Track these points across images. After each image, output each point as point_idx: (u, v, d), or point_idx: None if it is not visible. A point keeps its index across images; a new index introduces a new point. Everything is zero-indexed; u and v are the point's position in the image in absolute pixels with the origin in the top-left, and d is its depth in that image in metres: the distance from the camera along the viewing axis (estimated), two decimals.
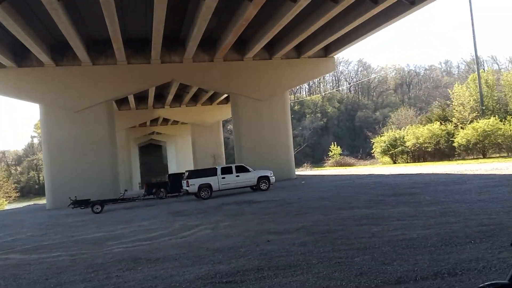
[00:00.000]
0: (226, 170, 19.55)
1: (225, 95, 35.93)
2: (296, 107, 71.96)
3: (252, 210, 13.12)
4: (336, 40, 24.81)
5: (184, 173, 21.10)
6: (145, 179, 48.46)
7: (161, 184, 24.67)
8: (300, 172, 37.47)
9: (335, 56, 29.83)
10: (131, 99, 34.28)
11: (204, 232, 9.68)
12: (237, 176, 19.32)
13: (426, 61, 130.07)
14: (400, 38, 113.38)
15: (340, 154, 43.95)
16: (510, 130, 28.18)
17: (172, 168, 51.96)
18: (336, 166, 40.49)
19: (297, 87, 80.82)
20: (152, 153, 63.47)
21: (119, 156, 29.54)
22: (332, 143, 46.88)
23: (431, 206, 9.91)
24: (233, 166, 20.21)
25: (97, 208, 18.40)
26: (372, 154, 39.87)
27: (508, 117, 30.12)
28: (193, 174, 19.52)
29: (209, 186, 18.73)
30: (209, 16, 17.99)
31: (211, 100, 39.84)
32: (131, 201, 20.98)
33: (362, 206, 11.30)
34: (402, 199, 11.78)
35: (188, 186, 18.66)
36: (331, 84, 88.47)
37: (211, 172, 19.28)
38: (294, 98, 76.59)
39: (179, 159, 52.00)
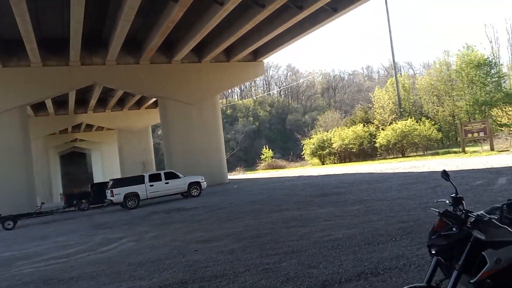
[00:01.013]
0: (155, 177, 18.75)
1: (154, 99, 34.70)
2: (228, 111, 71.97)
3: (181, 218, 12.63)
4: (265, 44, 25.11)
5: (108, 182, 19.89)
6: (68, 190, 45.14)
7: (82, 195, 23.06)
8: (233, 176, 37.36)
9: (265, 60, 30.22)
10: (49, 104, 31.70)
11: (127, 245, 9.04)
12: (167, 183, 18.63)
13: (349, 66, 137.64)
14: (326, 44, 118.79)
15: (272, 157, 44.58)
16: (425, 130, 30.55)
17: (98, 177, 49.05)
18: (269, 169, 41.02)
19: (229, 91, 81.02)
20: (75, 162, 59.37)
21: (35, 166, 27.12)
22: (264, 146, 47.46)
23: (355, 205, 10.23)
24: (162, 172, 19.46)
25: (8, 224, 16.69)
26: (302, 156, 40.97)
27: (423, 119, 32.66)
28: (118, 182, 18.44)
29: (136, 195, 17.81)
30: (132, 16, 17.18)
31: (139, 104, 38.26)
32: (48, 215, 19.28)
33: (291, 208, 11.38)
34: (329, 199, 12.08)
35: (112, 196, 17.56)
36: (262, 88, 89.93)
37: (138, 180, 18.37)
38: (226, 102, 76.61)
39: (106, 167, 49.25)
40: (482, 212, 2.55)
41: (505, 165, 15.18)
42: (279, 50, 27.35)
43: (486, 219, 2.38)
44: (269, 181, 24.77)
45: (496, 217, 2.40)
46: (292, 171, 33.89)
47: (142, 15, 18.72)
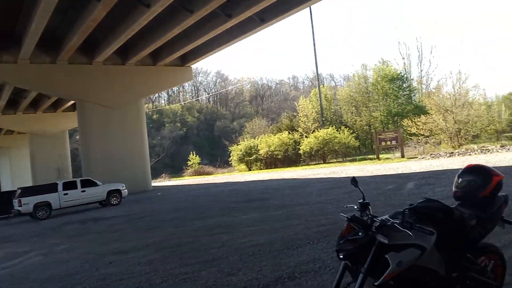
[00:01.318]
0: (69, 185, 17.45)
1: (72, 102, 32.44)
2: (154, 116, 69.86)
3: (97, 229, 11.86)
4: (193, 49, 24.81)
5: (16, 190, 18.09)
6: None
7: None
8: (158, 183, 36.23)
9: (193, 66, 29.87)
10: None
11: (34, 260, 8.25)
12: (83, 191, 17.46)
13: (277, 75, 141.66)
14: (255, 53, 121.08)
15: (199, 163, 44.11)
16: (344, 138, 32.36)
17: (6, 186, 44.43)
18: (195, 175, 40.46)
19: (156, 96, 78.78)
20: None
21: None
22: (191, 152, 46.79)
23: (278, 210, 10.44)
24: (78, 180, 18.19)
25: None
26: (230, 162, 41.09)
27: (342, 127, 34.60)
28: (27, 191, 16.85)
29: (47, 204, 16.41)
30: (49, 13, 15.97)
31: (55, 106, 35.49)
32: None
33: (215, 215, 11.28)
34: (253, 205, 12.19)
35: (20, 205, 15.99)
36: (190, 94, 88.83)
37: (51, 188, 16.95)
38: (153, 106, 74.34)
39: (15, 175, 44.77)
40: (386, 216, 2.68)
41: (413, 171, 16.60)
42: (208, 56, 27.22)
43: (389, 223, 2.51)
44: (194, 188, 24.41)
45: (398, 222, 2.52)
46: (219, 177, 33.79)
47: (62, 12, 17.50)
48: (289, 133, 36.78)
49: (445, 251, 2.64)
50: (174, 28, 19.65)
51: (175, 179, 41.94)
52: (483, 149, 22.77)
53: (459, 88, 29.38)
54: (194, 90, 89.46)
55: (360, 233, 2.54)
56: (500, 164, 14.37)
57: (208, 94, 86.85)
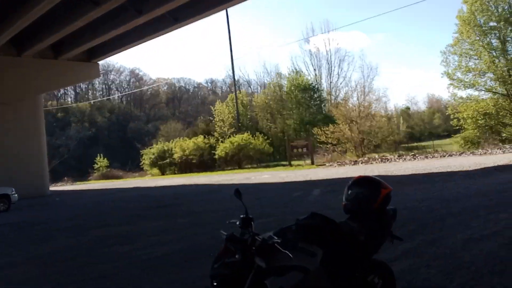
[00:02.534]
0: None
1: None
2: (59, 114, 64.32)
3: None
4: (101, 45, 23.13)
5: None
6: None
7: None
8: (59, 187, 33.18)
9: (103, 63, 28.03)
10: None
11: None
12: None
13: (195, 78, 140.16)
14: (173, 53, 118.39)
15: (108, 167, 41.49)
16: (259, 144, 32.84)
17: None
18: (103, 179, 37.93)
19: (61, 93, 72.76)
20: None
21: None
22: (99, 154, 43.83)
23: (185, 217, 9.98)
24: None
25: None
26: (142, 166, 39.31)
27: (257, 133, 35.11)
28: None
29: None
30: None
31: None
32: None
33: (117, 223, 10.43)
34: (161, 212, 11.56)
35: None
36: (101, 92, 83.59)
37: None
38: (57, 104, 68.43)
39: None
40: (270, 234, 2.44)
41: (321, 178, 17.27)
42: (118, 53, 25.72)
43: (269, 243, 2.24)
44: (99, 193, 22.71)
45: (279, 241, 2.26)
46: (129, 181, 32.03)
47: None
48: (205, 137, 36.32)
49: (333, 270, 2.50)
50: (78, 19, 18.09)
51: (79, 183, 38.85)
52: (383, 158, 24.66)
53: (363, 100, 31.66)
54: (105, 88, 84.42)
55: (237, 255, 2.22)
56: (396, 173, 15.56)
57: (121, 93, 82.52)
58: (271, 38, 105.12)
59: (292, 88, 42.41)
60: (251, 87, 65.04)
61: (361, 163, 24.02)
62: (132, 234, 8.62)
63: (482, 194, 8.48)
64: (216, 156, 33.34)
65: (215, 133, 38.88)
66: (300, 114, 42.04)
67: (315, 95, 43.71)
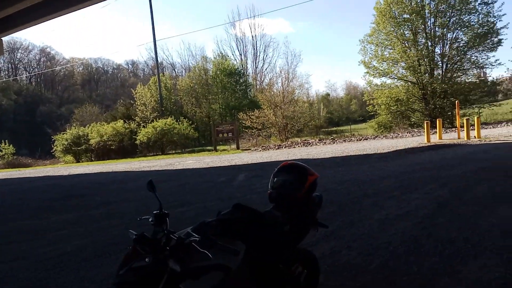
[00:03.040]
0: None
1: None
2: None
3: None
4: (5, 19, 20.45)
5: None
6: None
7: None
8: None
9: (8, 39, 24.87)
10: None
11: None
12: None
13: (115, 59, 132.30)
14: (90, 33, 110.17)
15: (14, 154, 37.54)
16: (183, 129, 32.01)
17: None
18: (9, 168, 34.25)
19: None
20: None
21: None
22: (3, 141, 39.48)
23: (99, 208, 9.22)
24: None
25: None
26: (54, 153, 36.20)
27: (182, 118, 34.17)
28: None
29: None
30: None
31: None
32: None
33: (21, 217, 9.31)
34: (72, 203, 10.58)
35: None
36: (6, 72, 75.20)
37: None
38: None
39: None
40: (188, 230, 2.14)
41: (246, 163, 17.24)
42: (25, 29, 23.02)
43: (186, 242, 1.95)
44: (2, 183, 20.39)
45: (197, 239, 1.98)
46: (39, 170, 29.29)
47: None
48: (125, 122, 34.47)
49: (256, 264, 2.28)
50: None
51: None
52: (305, 142, 25.44)
53: (287, 86, 32.30)
54: (12, 67, 76.20)
55: (147, 259, 1.90)
56: (317, 157, 16.06)
57: (30, 73, 75.02)
58: (196, 21, 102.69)
59: (218, 72, 41.89)
60: (176, 70, 63.16)
61: (285, 147, 24.53)
62: (37, 229, 7.73)
63: (395, 175, 8.98)
64: (138, 142, 31.88)
65: (136, 117, 37.08)
66: (226, 98, 41.79)
67: (241, 80, 43.71)
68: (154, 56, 37.68)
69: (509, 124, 22.50)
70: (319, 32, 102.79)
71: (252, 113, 30.26)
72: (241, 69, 44.70)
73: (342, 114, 63.89)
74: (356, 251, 4.26)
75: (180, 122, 32.66)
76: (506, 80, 36.35)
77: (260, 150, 24.43)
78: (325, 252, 4.32)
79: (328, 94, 72.18)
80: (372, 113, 30.60)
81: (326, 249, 4.42)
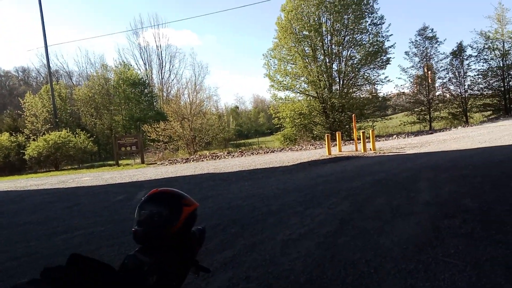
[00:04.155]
0: None
1: None
2: None
3: None
4: None
5: None
6: None
7: None
8: None
9: None
10: None
11: None
12: None
13: (2, 66, 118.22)
14: None
15: None
16: (81, 142, 29.33)
17: None
18: None
19: None
20: None
21: None
22: None
23: None
24: None
25: None
26: None
27: (78, 130, 31.34)
28: None
29: None
30: None
31: None
32: None
33: None
34: None
35: None
36: None
37: None
38: None
39: None
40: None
41: (149, 179, 16.12)
42: None
43: None
44: None
45: None
46: None
47: None
48: (11, 135, 30.54)
49: None
50: None
51: None
52: (213, 156, 24.95)
53: (195, 98, 31.65)
54: None
55: None
56: (225, 170, 15.64)
57: None
58: (95, 27, 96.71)
59: (120, 81, 39.55)
60: (73, 79, 58.29)
61: (193, 161, 23.75)
62: None
63: (299, 189, 8.89)
64: (27, 157, 28.37)
65: (25, 130, 33.09)
66: (130, 110, 39.58)
67: (146, 91, 41.84)
68: (46, 62, 34.11)
69: (399, 136, 24.65)
70: (227, 45, 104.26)
71: (158, 125, 28.96)
72: (146, 79, 42.81)
73: (251, 126, 64.97)
74: (255, 282, 3.81)
75: (77, 135, 29.90)
76: (395, 96, 40.27)
77: (166, 164, 23.30)
78: (221, 285, 3.80)
79: (237, 107, 73.08)
80: (278, 126, 31.38)
81: (223, 281, 3.90)
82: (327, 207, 6.74)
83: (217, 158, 24.02)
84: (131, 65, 41.61)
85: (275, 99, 31.76)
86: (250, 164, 16.79)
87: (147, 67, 44.95)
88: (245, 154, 24.25)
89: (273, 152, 23.83)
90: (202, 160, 23.58)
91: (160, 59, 45.44)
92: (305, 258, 4.37)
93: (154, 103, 42.59)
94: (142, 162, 25.73)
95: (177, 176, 15.55)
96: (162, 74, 45.93)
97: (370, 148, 17.19)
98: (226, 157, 23.94)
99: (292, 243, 4.98)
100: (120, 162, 27.05)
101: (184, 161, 24.19)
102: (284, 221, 6.14)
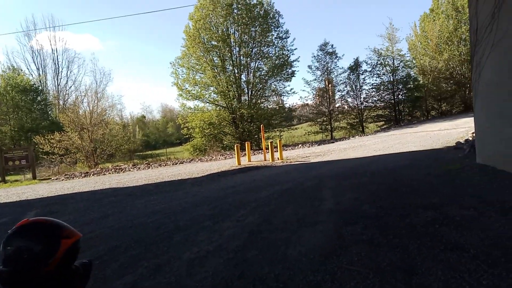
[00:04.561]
0: None
1: None
2: None
3: None
4: None
5: None
6: None
7: None
8: None
9: None
10: None
11: None
12: None
13: None
14: None
15: None
16: None
17: None
18: None
19: None
20: None
21: None
22: None
23: None
24: None
25: None
26: None
27: None
28: None
29: None
30: None
31: None
32: None
33: None
34: None
35: None
36: None
37: None
38: None
39: None
40: None
41: (40, 196, 14.43)
42: None
43: None
44: None
45: None
46: None
47: None
48: None
49: None
50: None
51: None
52: (117, 168, 23.43)
53: (96, 106, 29.58)
54: None
55: None
56: (129, 184, 14.70)
57: None
58: None
59: (8, 88, 35.30)
60: None
61: (93, 175, 22.00)
62: None
63: (208, 202, 8.63)
64: None
65: None
66: (20, 119, 35.48)
67: (39, 98, 37.96)
68: None
69: (304, 145, 25.82)
70: (134, 51, 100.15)
71: (53, 136, 26.36)
72: (39, 86, 38.88)
73: (159, 137, 62.89)
74: None
75: None
76: (300, 107, 42.38)
77: (62, 180, 21.21)
78: None
79: (144, 116, 70.32)
80: (188, 136, 30.78)
81: None
82: (236, 219, 6.59)
83: (121, 171, 22.61)
84: (21, 70, 37.51)
85: (183, 109, 31.15)
86: (158, 177, 16.05)
87: (41, 72, 40.91)
88: (152, 166, 23.23)
89: (182, 163, 23.21)
90: (104, 174, 21.98)
91: (56, 64, 41.77)
92: (213, 278, 4.13)
93: (49, 112, 38.80)
94: (34, 177, 23.11)
95: (74, 193, 14.18)
96: (59, 81, 42.20)
97: (278, 158, 17.64)
98: (131, 169, 22.65)
99: (200, 261, 4.70)
100: (7, 178, 23.95)
101: (83, 175, 22.30)
102: (192, 237, 5.83)
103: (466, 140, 13.05)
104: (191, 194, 10.22)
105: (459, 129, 19.36)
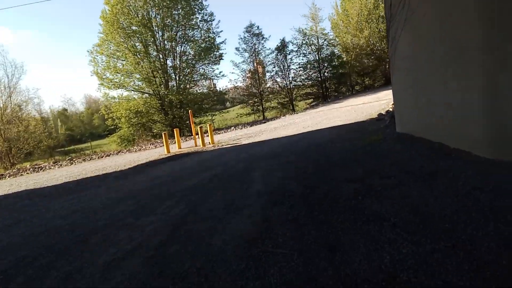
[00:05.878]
0: None
1: None
2: None
3: None
4: None
5: None
6: None
7: None
8: None
9: None
10: None
11: None
12: None
13: None
14: None
15: None
16: None
17: None
18: None
19: None
20: None
21: None
22: None
23: None
24: None
25: None
26: None
27: None
28: None
29: None
30: None
31: None
32: None
33: None
34: None
35: None
36: None
37: None
38: None
39: None
40: None
41: None
42: None
43: None
44: None
45: None
46: None
47: None
48: None
49: None
50: None
51: None
52: (35, 167, 21.53)
53: (9, 102, 26.84)
54: None
55: None
56: (48, 184, 13.50)
57: None
58: None
59: None
60: None
61: (9, 177, 20.00)
62: None
63: (132, 196, 8.09)
64: None
65: None
66: None
67: None
68: None
69: (236, 128, 25.63)
70: (51, 41, 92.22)
71: None
72: None
73: (84, 130, 59.13)
74: None
75: None
76: (231, 89, 42.00)
77: None
78: None
79: (65, 110, 65.56)
80: (114, 127, 29.11)
81: None
82: (161, 213, 6.20)
83: (41, 170, 20.80)
84: None
85: (106, 99, 29.27)
86: (80, 173, 14.92)
87: None
88: (76, 161, 21.66)
89: (109, 156, 21.92)
90: (22, 175, 20.09)
91: None
92: (129, 281, 3.76)
93: None
94: None
95: None
96: None
97: (209, 142, 17.28)
98: (52, 167, 20.94)
99: (117, 264, 4.29)
100: None
101: None
102: (111, 238, 5.36)
103: (387, 112, 13.69)
104: (114, 189, 9.55)
105: (381, 102, 20.34)
